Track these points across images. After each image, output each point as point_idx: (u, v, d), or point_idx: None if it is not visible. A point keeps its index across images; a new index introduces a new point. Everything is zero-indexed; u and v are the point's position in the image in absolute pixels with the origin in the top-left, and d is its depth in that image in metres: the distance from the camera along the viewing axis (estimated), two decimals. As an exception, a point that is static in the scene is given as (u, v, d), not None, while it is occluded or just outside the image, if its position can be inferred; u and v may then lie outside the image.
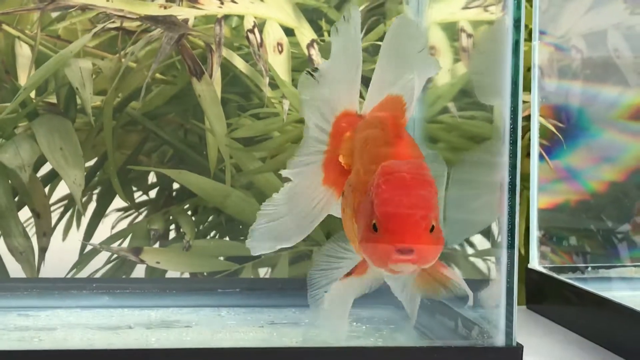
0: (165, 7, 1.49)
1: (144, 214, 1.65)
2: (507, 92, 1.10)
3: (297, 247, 1.47)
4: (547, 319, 1.42)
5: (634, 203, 1.60)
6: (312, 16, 1.58)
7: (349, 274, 1.08)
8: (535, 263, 1.48)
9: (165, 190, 1.66)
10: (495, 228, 1.13)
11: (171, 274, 1.52)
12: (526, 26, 1.23)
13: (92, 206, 1.62)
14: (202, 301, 1.33)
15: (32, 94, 1.52)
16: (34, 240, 1.54)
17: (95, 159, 1.59)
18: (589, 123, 1.60)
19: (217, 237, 1.62)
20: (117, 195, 1.58)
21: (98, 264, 1.56)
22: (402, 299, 1.14)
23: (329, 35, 1.46)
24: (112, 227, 1.63)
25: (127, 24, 1.52)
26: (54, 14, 1.55)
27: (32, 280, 1.46)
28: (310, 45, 1.53)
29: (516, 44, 1.10)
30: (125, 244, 1.55)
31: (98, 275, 1.55)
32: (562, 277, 1.43)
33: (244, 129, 1.52)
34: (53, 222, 1.58)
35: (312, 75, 1.11)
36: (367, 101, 1.13)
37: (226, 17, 1.52)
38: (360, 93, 1.12)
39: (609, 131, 1.60)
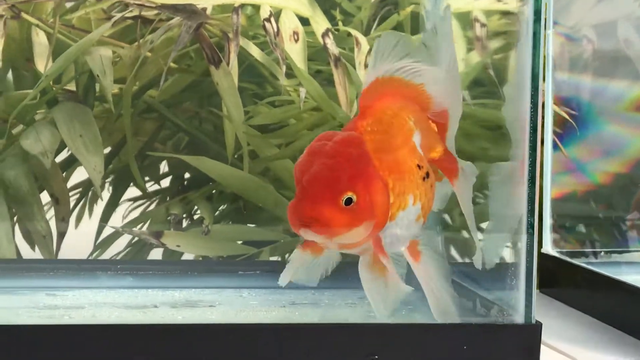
0: (184, -4, 1.51)
1: (155, 202, 1.67)
2: (527, 85, 1.12)
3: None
4: (560, 301, 1.44)
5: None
6: (325, 6, 1.60)
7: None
8: (548, 248, 1.50)
9: (178, 179, 1.68)
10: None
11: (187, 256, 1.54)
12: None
13: (104, 194, 1.64)
14: (224, 283, 1.35)
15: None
16: (52, 225, 1.56)
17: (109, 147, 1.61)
18: (597, 115, 1.62)
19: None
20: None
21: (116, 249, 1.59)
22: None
23: (343, 24, 1.50)
24: (124, 217, 1.64)
25: (144, 12, 1.55)
26: (68, 4, 1.57)
27: (58, 261, 1.48)
28: (325, 34, 1.55)
29: (535, 36, 1.12)
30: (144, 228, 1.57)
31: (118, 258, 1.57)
32: (575, 261, 1.45)
33: (261, 116, 1.54)
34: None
35: None
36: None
37: (242, 5, 1.54)
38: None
39: (616, 124, 1.63)
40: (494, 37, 1.47)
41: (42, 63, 1.56)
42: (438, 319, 1.11)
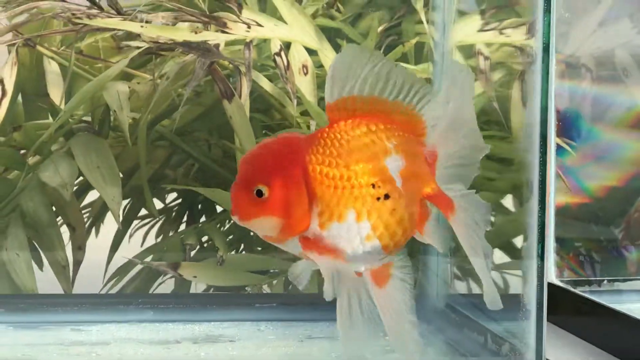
0: (196, 32, 1.56)
1: (159, 225, 1.69)
2: (537, 119, 1.16)
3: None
4: (563, 329, 1.48)
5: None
6: (330, 34, 1.64)
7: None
8: (552, 277, 1.53)
9: (187, 207, 1.71)
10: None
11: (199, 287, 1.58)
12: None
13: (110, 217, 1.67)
14: (241, 315, 1.39)
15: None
16: (69, 253, 1.60)
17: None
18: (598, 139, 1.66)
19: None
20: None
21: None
22: None
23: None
24: (130, 236, 1.66)
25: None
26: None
27: (81, 296, 1.52)
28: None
29: (546, 69, 1.15)
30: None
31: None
32: (578, 291, 1.49)
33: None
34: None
35: None
36: None
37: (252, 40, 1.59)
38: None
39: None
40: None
41: (56, 93, 1.60)
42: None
